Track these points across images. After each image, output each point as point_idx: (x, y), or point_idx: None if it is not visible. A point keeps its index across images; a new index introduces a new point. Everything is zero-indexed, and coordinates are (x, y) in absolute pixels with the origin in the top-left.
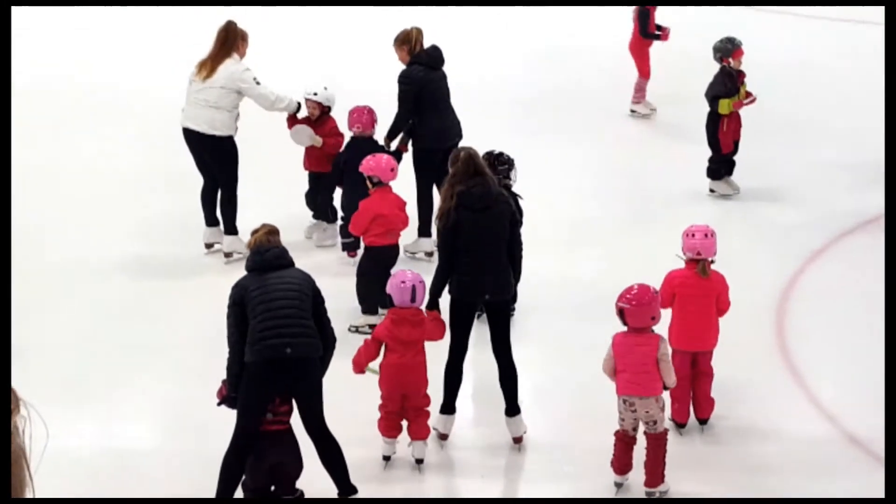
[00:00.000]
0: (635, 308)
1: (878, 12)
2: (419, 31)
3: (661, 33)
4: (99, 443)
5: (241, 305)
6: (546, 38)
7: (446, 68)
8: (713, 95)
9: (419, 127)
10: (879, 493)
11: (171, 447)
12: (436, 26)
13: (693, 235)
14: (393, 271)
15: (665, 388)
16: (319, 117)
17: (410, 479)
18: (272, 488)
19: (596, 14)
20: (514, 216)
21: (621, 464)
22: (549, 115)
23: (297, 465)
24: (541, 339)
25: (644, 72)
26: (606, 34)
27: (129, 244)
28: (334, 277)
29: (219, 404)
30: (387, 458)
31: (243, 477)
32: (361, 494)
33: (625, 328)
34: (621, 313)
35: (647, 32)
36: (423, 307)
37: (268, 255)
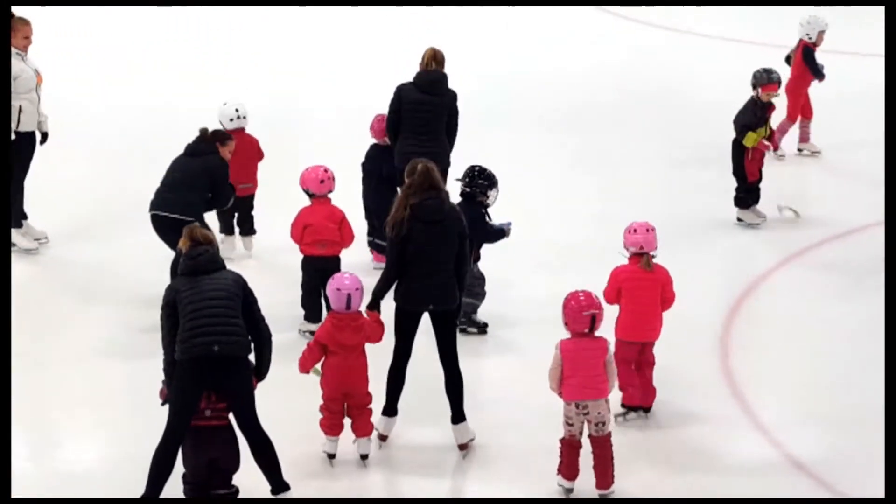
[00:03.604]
0: (601, 312)
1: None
2: (431, 52)
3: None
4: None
5: (173, 306)
6: (559, 58)
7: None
8: (743, 125)
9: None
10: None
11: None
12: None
13: (635, 231)
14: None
15: None
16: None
17: (355, 474)
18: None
19: (606, 30)
20: (463, 231)
21: (571, 470)
22: (577, 137)
23: (234, 461)
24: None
25: (792, 116)
26: (619, 53)
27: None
28: (278, 286)
29: (162, 404)
30: (331, 456)
31: (183, 471)
32: (307, 490)
33: (568, 335)
34: (592, 319)
35: (818, 70)
36: (362, 308)
37: (200, 258)
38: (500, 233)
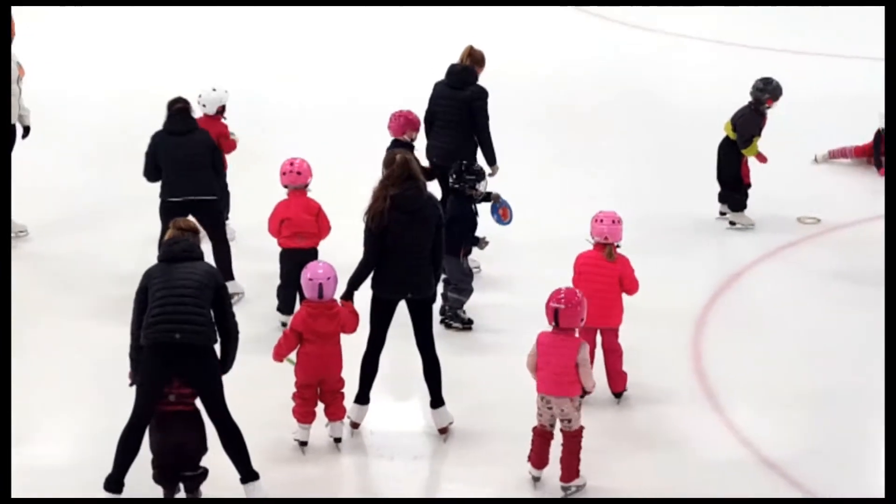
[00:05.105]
0: (568, 308)
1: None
2: (467, 49)
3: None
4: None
5: (145, 292)
6: (541, 58)
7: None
8: (751, 135)
9: None
10: None
11: None
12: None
13: (601, 221)
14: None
15: (584, 392)
16: None
17: (328, 459)
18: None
19: (600, 32)
20: (440, 220)
21: (539, 458)
22: (559, 136)
23: (200, 446)
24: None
25: (858, 153)
26: (600, 54)
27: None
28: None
29: (130, 385)
30: (303, 444)
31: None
32: (279, 475)
33: (550, 328)
34: (555, 313)
35: (879, 160)
36: (337, 298)
37: (176, 246)
38: (474, 241)
